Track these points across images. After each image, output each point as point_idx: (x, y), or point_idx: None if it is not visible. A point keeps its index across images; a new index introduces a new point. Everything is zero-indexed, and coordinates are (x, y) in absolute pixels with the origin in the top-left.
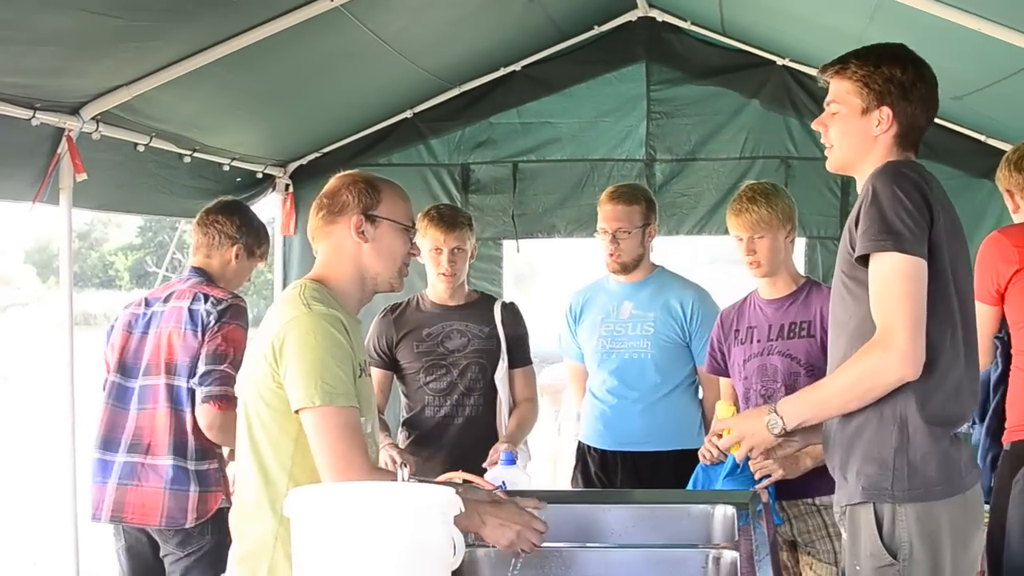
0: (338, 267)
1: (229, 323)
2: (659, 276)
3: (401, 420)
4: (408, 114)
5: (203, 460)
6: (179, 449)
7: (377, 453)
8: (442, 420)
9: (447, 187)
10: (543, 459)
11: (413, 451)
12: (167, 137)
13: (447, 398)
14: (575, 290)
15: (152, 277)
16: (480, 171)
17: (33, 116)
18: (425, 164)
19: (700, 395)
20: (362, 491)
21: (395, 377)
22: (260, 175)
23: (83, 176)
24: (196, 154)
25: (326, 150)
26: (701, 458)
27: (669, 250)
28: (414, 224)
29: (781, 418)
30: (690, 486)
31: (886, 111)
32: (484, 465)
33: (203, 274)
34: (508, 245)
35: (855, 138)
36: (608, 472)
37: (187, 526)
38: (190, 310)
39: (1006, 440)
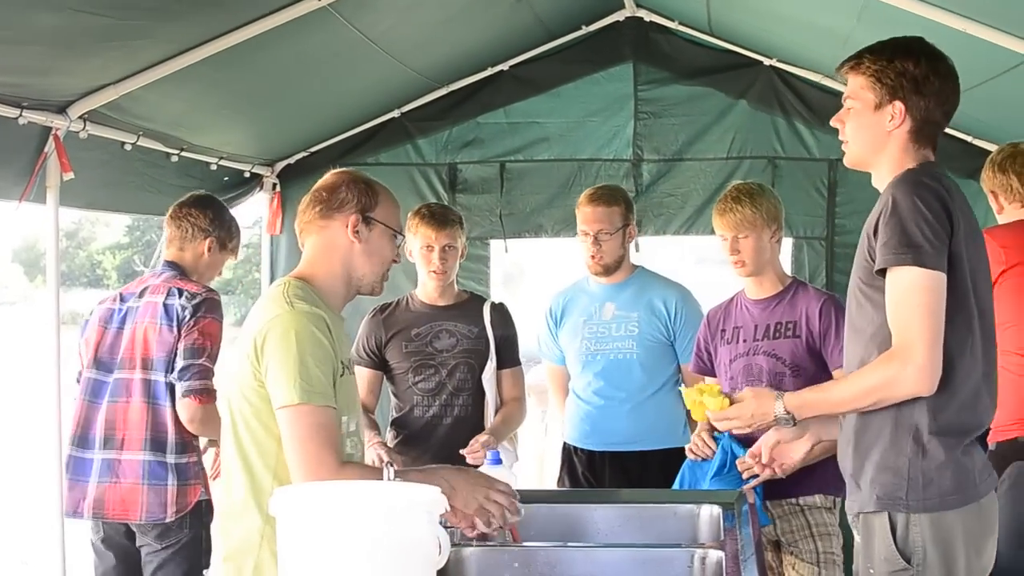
0: (326, 263)
1: (204, 317)
2: (640, 276)
3: (390, 420)
4: (396, 114)
5: (183, 454)
6: (157, 443)
7: (363, 452)
8: (430, 420)
9: (434, 187)
10: (530, 459)
11: (401, 451)
12: (154, 136)
13: (436, 398)
14: (554, 292)
15: (140, 276)
16: (467, 171)
17: (20, 115)
18: (412, 164)
19: None
20: (347, 490)
21: (384, 377)
22: (247, 174)
23: (70, 175)
24: (183, 153)
25: (313, 149)
26: (689, 453)
27: (657, 250)
28: (403, 232)
29: (790, 413)
30: (677, 484)
31: (899, 106)
32: (463, 452)
33: (176, 268)
34: (496, 245)
35: (869, 133)
36: (596, 473)
37: (167, 520)
38: (165, 305)
39: (991, 440)
